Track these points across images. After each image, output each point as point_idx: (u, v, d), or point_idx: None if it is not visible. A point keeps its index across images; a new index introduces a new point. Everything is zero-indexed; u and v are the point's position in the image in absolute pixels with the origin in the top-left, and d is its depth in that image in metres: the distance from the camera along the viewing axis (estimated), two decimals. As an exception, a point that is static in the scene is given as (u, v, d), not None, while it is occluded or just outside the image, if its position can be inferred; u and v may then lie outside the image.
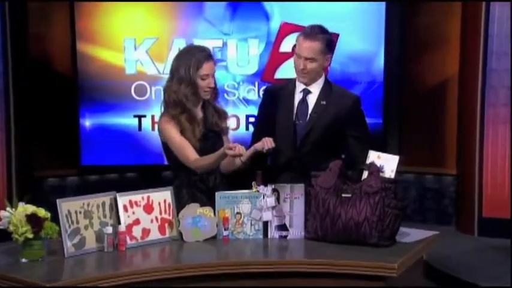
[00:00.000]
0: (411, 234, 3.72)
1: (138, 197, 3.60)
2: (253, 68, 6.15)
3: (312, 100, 4.04)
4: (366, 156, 3.66)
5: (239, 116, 6.14)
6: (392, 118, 6.38)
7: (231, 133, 4.19)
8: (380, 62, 6.12)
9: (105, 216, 3.51)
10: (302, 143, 4.01)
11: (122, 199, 3.54)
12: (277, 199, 3.68)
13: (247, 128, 6.15)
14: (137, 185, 3.84)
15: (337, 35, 5.77)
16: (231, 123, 5.40)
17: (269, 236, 3.69)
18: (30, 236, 3.25)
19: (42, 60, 6.36)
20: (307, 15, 5.74)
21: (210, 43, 5.90)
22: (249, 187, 3.70)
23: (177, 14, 6.15)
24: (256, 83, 6.15)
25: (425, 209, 6.69)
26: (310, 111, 4.02)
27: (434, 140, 6.64)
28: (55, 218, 3.35)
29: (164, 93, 3.99)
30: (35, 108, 6.29)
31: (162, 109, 4.00)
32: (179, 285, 3.27)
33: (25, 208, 3.30)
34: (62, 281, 3.08)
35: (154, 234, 3.61)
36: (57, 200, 3.38)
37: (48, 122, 6.36)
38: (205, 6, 6.11)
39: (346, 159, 3.86)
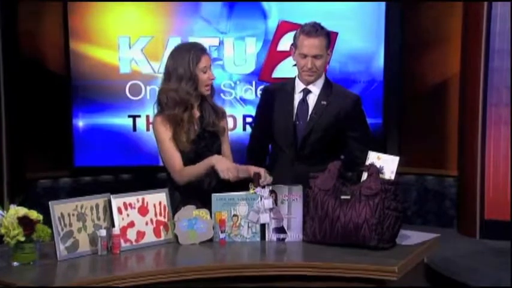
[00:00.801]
0: (412, 237, 3.69)
1: (133, 198, 3.58)
2: (250, 67, 6.11)
3: (312, 100, 4.02)
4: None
5: (236, 116, 6.10)
6: (392, 118, 6.36)
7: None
8: (380, 61, 6.09)
9: (98, 219, 3.49)
10: (302, 144, 3.99)
11: (116, 201, 3.52)
12: (275, 201, 3.65)
13: (244, 129, 6.12)
14: (132, 187, 3.82)
15: (336, 34, 5.76)
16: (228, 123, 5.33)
17: (266, 239, 3.66)
18: (22, 239, 3.22)
19: (34, 59, 6.31)
20: (305, 14, 5.73)
21: (207, 41, 5.86)
22: (246, 189, 3.66)
23: (173, 11, 6.12)
24: (254, 83, 6.12)
25: (426, 211, 6.65)
26: (310, 111, 4.00)
27: (435, 140, 6.61)
28: (47, 221, 3.32)
29: (160, 94, 3.92)
30: (27, 108, 6.24)
31: (156, 110, 3.95)
32: (174, 289, 3.24)
33: (17, 210, 3.27)
34: (55, 285, 3.05)
35: (149, 237, 3.59)
36: (50, 202, 3.36)
37: (41, 122, 6.31)
38: (202, 4, 6.08)
39: (346, 160, 3.84)
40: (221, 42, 6.07)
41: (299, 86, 4.05)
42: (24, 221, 3.22)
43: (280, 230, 3.65)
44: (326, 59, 4.02)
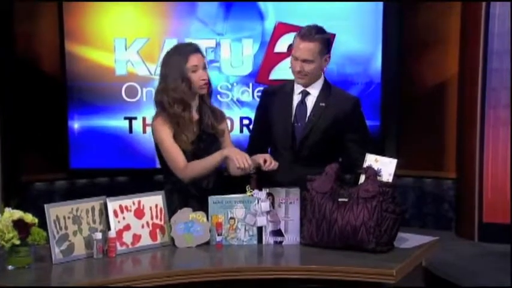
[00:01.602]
0: (410, 240, 3.68)
1: (129, 201, 3.57)
2: (247, 68, 6.09)
3: (310, 102, 4.00)
4: (365, 160, 3.64)
5: (233, 118, 6.08)
6: (390, 120, 6.34)
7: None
8: (378, 62, 6.07)
9: (94, 222, 3.48)
10: (300, 146, 3.96)
11: (112, 204, 3.51)
12: (272, 204, 3.64)
13: (241, 131, 6.10)
14: (128, 189, 3.78)
15: (334, 35, 5.74)
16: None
17: (264, 242, 3.66)
18: (17, 242, 3.22)
19: (29, 60, 6.30)
20: (303, 15, 5.72)
21: (203, 43, 5.83)
22: (243, 191, 3.65)
23: (169, 13, 6.10)
24: (251, 84, 6.10)
25: (424, 214, 6.65)
26: (309, 113, 3.98)
27: (434, 142, 6.61)
28: (43, 224, 3.32)
29: (157, 94, 3.92)
30: (22, 110, 6.22)
31: (156, 110, 3.94)
32: (171, 293, 3.23)
33: (12, 213, 3.26)
34: (49, 289, 3.04)
35: (146, 240, 3.58)
36: (45, 205, 3.36)
37: (36, 124, 6.29)
38: (198, 5, 6.06)
39: (344, 162, 3.82)
40: (218, 44, 6.05)
41: (298, 87, 4.03)
42: (19, 224, 3.21)
43: (277, 232, 3.65)
44: (320, 64, 3.95)
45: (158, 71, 4.02)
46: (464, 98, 6.29)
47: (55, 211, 3.35)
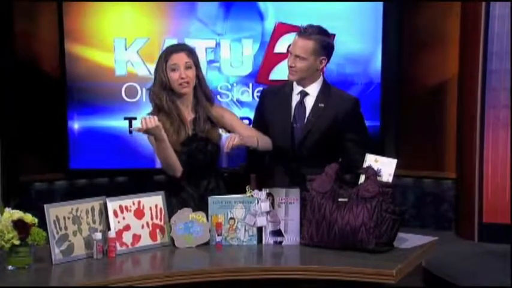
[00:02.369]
0: (409, 240, 3.68)
1: (129, 201, 3.57)
2: (247, 69, 6.07)
3: (309, 102, 4.01)
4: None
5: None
6: (390, 120, 6.33)
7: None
8: (377, 62, 6.05)
9: (94, 222, 3.48)
10: (299, 146, 3.97)
11: (112, 204, 3.51)
12: (272, 204, 3.64)
13: (240, 131, 6.06)
14: (128, 190, 3.79)
15: (334, 35, 5.72)
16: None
17: (263, 242, 3.66)
18: (17, 242, 3.22)
19: (29, 60, 6.27)
20: (303, 15, 5.68)
21: (203, 43, 5.89)
22: (243, 191, 3.65)
23: (169, 13, 6.08)
24: (251, 85, 6.08)
25: (424, 214, 6.63)
26: (307, 114, 3.98)
27: (433, 143, 6.60)
28: (42, 224, 3.31)
29: (149, 96, 3.98)
30: (21, 110, 6.20)
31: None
32: (171, 293, 3.22)
33: (11, 214, 3.26)
34: (49, 290, 3.04)
35: (145, 240, 3.58)
36: (45, 205, 3.36)
37: (35, 124, 6.27)
38: (198, 5, 6.03)
39: (344, 163, 3.81)
40: (218, 44, 6.03)
41: (297, 88, 4.04)
42: (19, 225, 3.21)
43: (277, 233, 3.65)
44: (312, 63, 3.96)
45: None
46: (464, 99, 6.28)
47: (55, 211, 3.35)
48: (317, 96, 4.01)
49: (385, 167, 3.55)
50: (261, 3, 6.01)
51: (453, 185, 6.50)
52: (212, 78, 5.90)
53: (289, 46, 4.06)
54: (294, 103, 4.03)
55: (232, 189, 3.75)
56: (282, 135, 4.00)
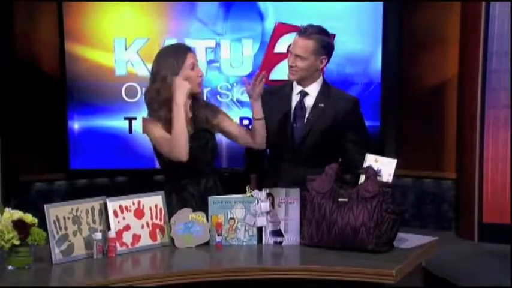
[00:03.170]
0: (409, 240, 3.68)
1: (129, 201, 3.56)
2: (247, 69, 6.07)
3: (309, 102, 4.01)
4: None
5: (233, 118, 6.04)
6: (390, 120, 6.33)
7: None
8: (377, 62, 6.05)
9: (94, 222, 3.48)
10: (299, 146, 3.96)
11: (112, 204, 3.51)
12: (272, 204, 3.64)
13: (240, 131, 6.06)
14: (128, 190, 3.77)
15: (333, 35, 5.72)
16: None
17: (263, 242, 3.66)
18: (17, 242, 3.21)
19: (29, 60, 6.27)
20: (303, 15, 5.69)
21: (203, 43, 5.90)
22: (243, 191, 3.65)
23: (169, 13, 6.08)
24: (251, 85, 6.07)
25: (424, 214, 6.63)
26: (307, 114, 3.99)
27: (433, 143, 6.59)
28: (42, 224, 3.31)
29: (145, 96, 3.93)
30: (22, 110, 6.20)
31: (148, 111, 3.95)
32: (171, 293, 3.22)
33: (11, 214, 3.26)
34: (49, 290, 3.04)
35: (145, 241, 3.57)
36: (45, 206, 3.35)
37: (35, 124, 6.27)
38: (198, 5, 6.04)
39: (344, 163, 3.81)
40: (218, 44, 6.04)
41: (296, 88, 4.04)
42: (19, 225, 3.20)
43: (277, 233, 3.64)
44: (312, 63, 3.97)
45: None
46: (464, 99, 6.28)
47: (55, 211, 3.35)
48: (317, 96, 4.01)
49: (385, 167, 3.55)
50: (261, 3, 6.02)
51: (453, 185, 6.50)
52: (212, 78, 5.91)
53: (289, 46, 4.06)
54: (293, 103, 4.03)
55: (232, 189, 3.74)
56: (282, 135, 4.00)
